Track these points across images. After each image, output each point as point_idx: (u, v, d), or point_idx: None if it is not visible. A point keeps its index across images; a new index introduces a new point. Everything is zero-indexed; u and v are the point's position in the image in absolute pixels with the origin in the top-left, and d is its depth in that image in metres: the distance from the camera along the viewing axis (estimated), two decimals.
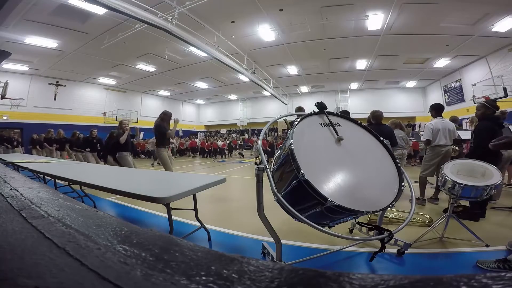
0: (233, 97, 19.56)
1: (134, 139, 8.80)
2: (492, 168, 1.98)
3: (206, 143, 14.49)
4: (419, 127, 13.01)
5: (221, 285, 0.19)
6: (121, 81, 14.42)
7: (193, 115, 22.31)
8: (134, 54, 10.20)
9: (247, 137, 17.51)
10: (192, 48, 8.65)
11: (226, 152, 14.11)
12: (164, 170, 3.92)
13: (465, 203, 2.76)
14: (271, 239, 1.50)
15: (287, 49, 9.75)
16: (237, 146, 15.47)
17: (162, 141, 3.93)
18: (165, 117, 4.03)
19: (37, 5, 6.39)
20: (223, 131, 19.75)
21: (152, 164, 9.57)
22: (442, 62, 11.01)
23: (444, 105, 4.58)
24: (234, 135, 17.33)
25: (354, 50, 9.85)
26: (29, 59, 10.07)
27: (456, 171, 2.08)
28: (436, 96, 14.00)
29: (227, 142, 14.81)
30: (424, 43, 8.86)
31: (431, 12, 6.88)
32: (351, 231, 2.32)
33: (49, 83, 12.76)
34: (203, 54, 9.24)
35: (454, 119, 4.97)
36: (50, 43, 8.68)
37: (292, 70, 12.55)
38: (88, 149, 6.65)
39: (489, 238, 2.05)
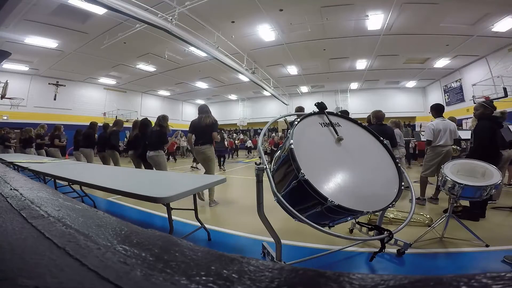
0: (233, 97, 19.55)
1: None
2: (492, 168, 1.98)
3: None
4: (420, 127, 13.00)
5: (221, 285, 0.19)
6: (121, 81, 14.42)
7: (193, 115, 22.31)
8: (134, 54, 10.20)
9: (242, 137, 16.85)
10: (192, 48, 8.66)
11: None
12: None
13: (465, 203, 2.76)
14: (271, 239, 1.50)
15: (287, 49, 9.75)
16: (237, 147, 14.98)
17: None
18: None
19: (37, 5, 6.39)
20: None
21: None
22: (442, 62, 11.01)
23: (444, 105, 4.58)
24: (234, 135, 17.25)
25: (354, 50, 9.84)
26: (29, 59, 10.06)
27: (456, 171, 2.08)
28: (436, 96, 14.00)
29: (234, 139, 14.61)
30: (424, 43, 8.86)
31: (431, 12, 6.88)
32: (351, 231, 2.32)
33: (49, 83, 12.75)
34: (203, 54, 9.24)
35: (451, 120, 4.97)
36: (50, 43, 8.68)
37: (292, 70, 12.54)
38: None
39: (489, 238, 2.05)
